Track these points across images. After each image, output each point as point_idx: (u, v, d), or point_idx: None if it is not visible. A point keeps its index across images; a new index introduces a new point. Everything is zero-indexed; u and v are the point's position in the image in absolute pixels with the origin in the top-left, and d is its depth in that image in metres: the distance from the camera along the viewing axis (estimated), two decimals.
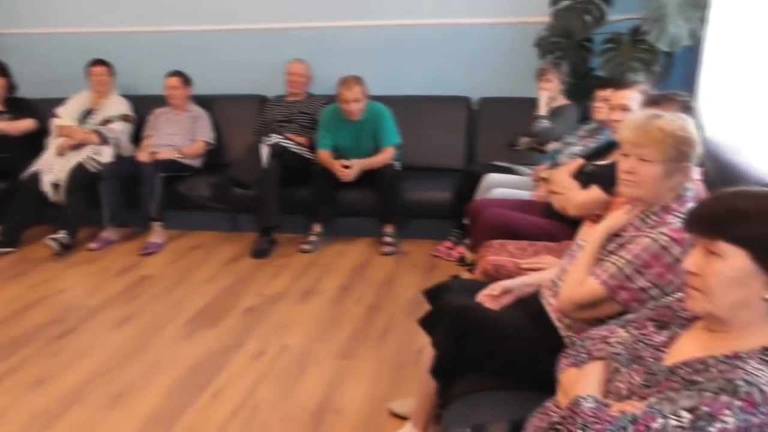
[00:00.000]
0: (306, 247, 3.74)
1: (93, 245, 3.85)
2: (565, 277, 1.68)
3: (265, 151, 3.76)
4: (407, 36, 4.22)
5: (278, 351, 2.63)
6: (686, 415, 0.98)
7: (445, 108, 4.17)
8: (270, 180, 3.71)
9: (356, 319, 2.90)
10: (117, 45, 4.52)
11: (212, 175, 4.03)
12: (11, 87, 4.33)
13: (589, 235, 1.71)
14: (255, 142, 3.82)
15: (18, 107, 4.27)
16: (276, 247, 3.77)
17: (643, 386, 1.14)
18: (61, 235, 3.74)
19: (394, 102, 3.91)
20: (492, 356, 1.74)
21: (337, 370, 2.48)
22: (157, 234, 3.90)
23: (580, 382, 1.23)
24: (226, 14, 4.41)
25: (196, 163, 4.16)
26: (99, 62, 4.25)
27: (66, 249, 3.74)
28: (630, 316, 1.33)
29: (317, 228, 3.81)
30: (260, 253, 3.68)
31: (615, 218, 1.68)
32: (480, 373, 1.76)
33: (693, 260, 1.10)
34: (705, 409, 0.97)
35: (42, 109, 4.29)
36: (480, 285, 2.00)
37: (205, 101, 4.33)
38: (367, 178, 3.71)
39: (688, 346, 1.15)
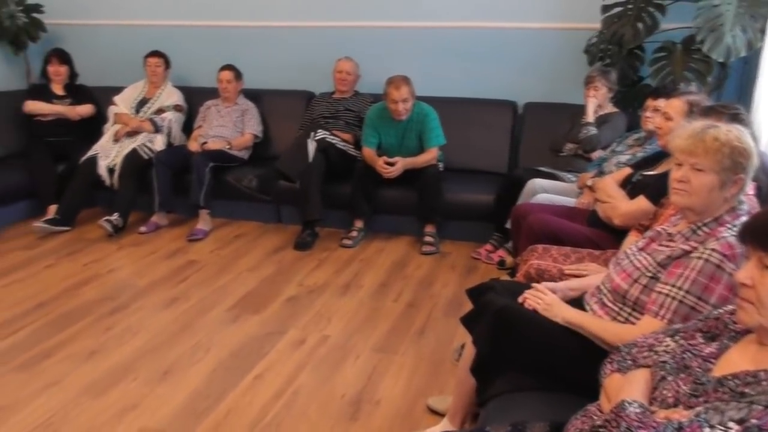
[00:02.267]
0: (347, 242, 3.80)
1: (143, 229, 3.99)
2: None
3: (311, 146, 3.83)
4: (456, 38, 4.25)
5: (318, 341, 2.70)
6: (734, 427, 0.98)
7: (491, 111, 4.18)
8: (314, 174, 3.79)
9: (395, 315, 2.95)
10: (174, 38, 4.66)
11: (258, 167, 4.13)
12: (73, 74, 4.52)
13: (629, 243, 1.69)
14: (301, 137, 3.90)
15: (78, 94, 4.46)
16: (318, 241, 3.85)
17: (691, 396, 1.15)
18: (114, 217, 3.89)
19: (440, 103, 3.94)
20: (532, 357, 1.76)
21: (375, 363, 2.53)
22: (203, 221, 4.02)
23: (625, 387, 1.24)
24: (279, 11, 4.50)
25: (244, 154, 4.27)
26: (155, 54, 4.40)
27: (118, 231, 3.90)
28: (678, 326, 1.34)
29: (359, 224, 3.87)
30: (303, 245, 3.76)
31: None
32: (519, 373, 1.79)
33: (747, 272, 1.11)
34: (754, 421, 0.97)
35: (100, 97, 4.46)
36: (522, 287, 2.03)
37: (254, 95, 4.43)
38: (410, 177, 3.75)
39: (738, 359, 1.15)
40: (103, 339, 2.71)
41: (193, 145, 4.17)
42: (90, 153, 4.12)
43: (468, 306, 2.01)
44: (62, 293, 3.15)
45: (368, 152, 3.85)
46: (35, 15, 4.74)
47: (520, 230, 2.77)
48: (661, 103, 2.70)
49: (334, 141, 3.93)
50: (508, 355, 1.78)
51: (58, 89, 4.42)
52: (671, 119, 2.39)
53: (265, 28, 4.57)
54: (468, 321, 1.94)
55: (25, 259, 3.58)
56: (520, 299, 1.90)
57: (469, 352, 1.91)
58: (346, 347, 2.65)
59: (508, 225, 3.25)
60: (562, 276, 2.19)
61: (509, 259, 3.40)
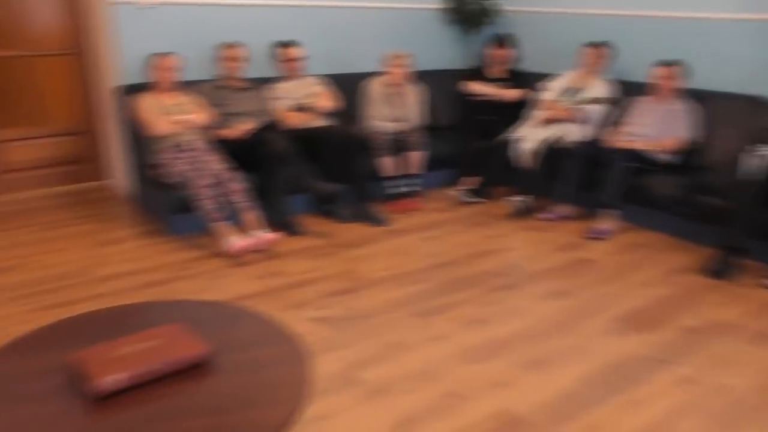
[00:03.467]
0: None
1: (545, 215, 4.05)
2: None
3: (754, 161, 3.24)
4: None
5: (713, 388, 2.29)
6: None
7: None
8: (751, 195, 3.20)
9: None
10: (617, 28, 4.49)
11: (684, 176, 3.69)
12: (515, 59, 4.80)
13: None
14: (742, 150, 3.32)
15: (514, 78, 4.72)
16: (733, 273, 3.27)
17: None
18: (523, 199, 4.04)
19: None
20: None
21: None
22: (608, 221, 3.83)
23: None
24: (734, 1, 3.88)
25: (671, 159, 3.87)
26: (595, 44, 4.32)
27: (522, 213, 4.05)
28: None
29: None
30: (716, 273, 3.24)
31: None
32: None
33: None
34: None
35: (537, 83, 4.60)
36: None
37: (697, 96, 3.95)
38: None
39: None
40: (487, 311, 2.84)
41: (614, 142, 3.99)
42: (510, 134, 4.33)
43: None
44: (462, 258, 3.43)
45: None
46: (492, 1, 5.14)
47: None
48: None
49: None
50: None
51: (495, 72, 4.74)
52: None
53: (716, 21, 4.00)
54: None
55: (440, 221, 4.02)
56: None
57: None
58: (750, 407, 2.18)
59: None
60: None
61: None
